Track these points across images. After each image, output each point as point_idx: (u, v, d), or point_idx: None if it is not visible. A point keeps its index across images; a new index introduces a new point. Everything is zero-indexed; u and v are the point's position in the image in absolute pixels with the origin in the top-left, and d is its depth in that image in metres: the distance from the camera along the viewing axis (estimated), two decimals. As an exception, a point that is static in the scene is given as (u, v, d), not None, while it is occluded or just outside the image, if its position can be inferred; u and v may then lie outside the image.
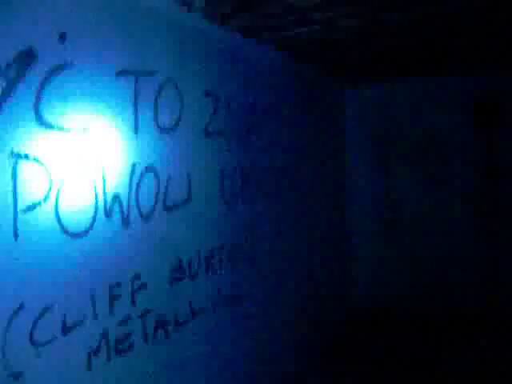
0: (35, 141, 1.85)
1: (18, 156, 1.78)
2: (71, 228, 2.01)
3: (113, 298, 2.17)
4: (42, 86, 1.88)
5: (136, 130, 2.35)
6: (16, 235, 1.78)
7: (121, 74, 2.26)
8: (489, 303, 5.99)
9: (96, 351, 2.12)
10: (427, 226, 6.29)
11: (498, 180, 5.99)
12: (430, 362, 4.84)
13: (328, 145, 5.65)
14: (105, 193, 2.17)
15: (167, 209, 2.57)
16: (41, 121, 1.88)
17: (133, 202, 2.31)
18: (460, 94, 6.07)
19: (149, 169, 2.43)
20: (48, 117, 1.91)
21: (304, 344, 4.68)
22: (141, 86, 2.38)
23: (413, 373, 4.62)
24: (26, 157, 1.81)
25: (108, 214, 2.18)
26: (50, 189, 1.92)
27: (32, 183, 1.84)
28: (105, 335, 2.14)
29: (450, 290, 6.20)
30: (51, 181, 1.92)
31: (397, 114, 6.38)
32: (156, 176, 2.48)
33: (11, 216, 1.76)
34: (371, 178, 6.54)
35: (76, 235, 2.04)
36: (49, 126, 1.91)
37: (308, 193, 4.87)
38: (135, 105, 2.33)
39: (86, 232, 2.09)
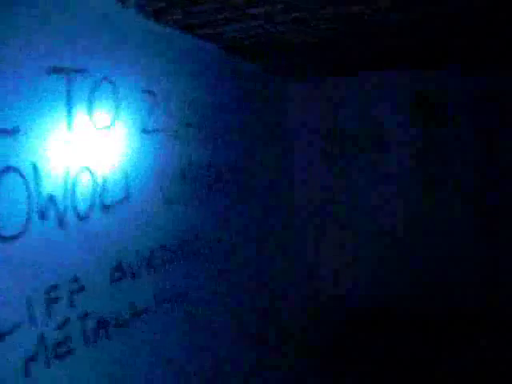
0: (-38, 141, 1.79)
1: None
2: (3, 231, 1.95)
3: (50, 301, 2.12)
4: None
5: (70, 128, 2.29)
6: None
7: (52, 71, 2.19)
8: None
9: (34, 357, 2.06)
10: (377, 222, 6.43)
11: (444, 175, 6.21)
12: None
13: (273, 142, 5.69)
14: (39, 194, 2.12)
15: (105, 209, 2.53)
16: (-33, 121, 1.81)
17: (69, 203, 2.26)
18: (405, 90, 6.18)
19: (84, 168, 2.38)
20: (-25, 116, 1.84)
21: (256, 343, 4.71)
22: (74, 83, 2.32)
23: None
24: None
25: (43, 215, 2.13)
26: (-20, 191, 1.85)
27: (-40, 186, 1.77)
28: (42, 340, 2.09)
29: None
30: (-20, 183, 1.85)
31: (343, 110, 6.45)
32: (92, 175, 2.44)
33: None
34: (318, 174, 6.62)
35: (9, 238, 1.97)
36: (-24, 126, 1.84)
37: (254, 188, 4.90)
38: (69, 103, 2.28)
39: (20, 234, 2.03)
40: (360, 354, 5.15)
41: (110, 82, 2.63)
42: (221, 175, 4.16)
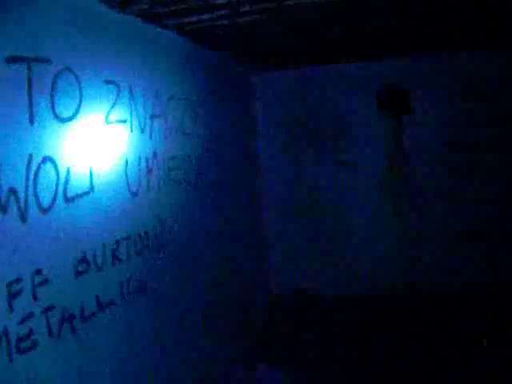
0: None
1: None
2: (-37, 224, 1.91)
3: (12, 295, 2.09)
4: None
5: (31, 119, 2.25)
6: None
7: (11, 60, 2.15)
8: (402, 286, 6.31)
9: (-4, 351, 2.03)
10: (341, 211, 6.51)
11: (408, 163, 6.31)
12: (342, 345, 5.11)
13: (239, 130, 5.69)
14: (-1, 186, 2.08)
15: (68, 201, 2.50)
16: None
17: (31, 195, 2.22)
18: (370, 80, 6.30)
19: (47, 160, 2.34)
20: None
21: (224, 331, 4.72)
22: (35, 73, 2.27)
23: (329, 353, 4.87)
24: None
25: (3, 208, 2.09)
26: None
27: None
28: (5, 334, 2.05)
29: (365, 275, 6.46)
30: None
31: (307, 100, 6.52)
32: (55, 167, 2.40)
33: None
34: (283, 164, 6.66)
35: (-31, 231, 1.94)
36: None
37: (219, 179, 4.89)
38: (30, 93, 2.23)
39: (-20, 228, 1.99)
40: (283, 340, 5.35)
41: (73, 73, 2.59)
42: (186, 166, 4.14)
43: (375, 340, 5.14)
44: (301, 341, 5.27)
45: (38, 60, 2.30)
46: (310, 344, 5.15)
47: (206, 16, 3.51)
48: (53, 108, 2.41)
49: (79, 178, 2.62)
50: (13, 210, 2.12)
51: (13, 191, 2.12)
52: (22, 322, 2.14)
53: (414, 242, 6.31)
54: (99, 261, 2.79)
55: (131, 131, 3.25)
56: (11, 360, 2.08)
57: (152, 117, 3.57)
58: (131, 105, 3.27)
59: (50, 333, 2.34)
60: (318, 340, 5.25)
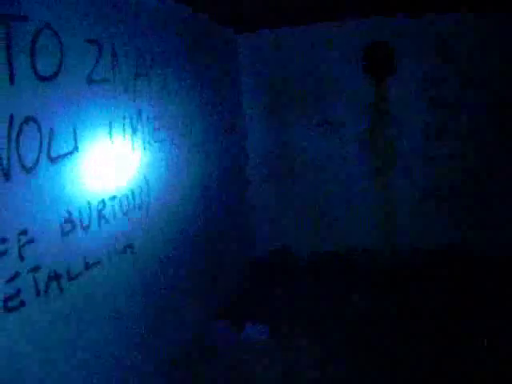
0: None
1: None
2: None
3: (-2, 255, 2.10)
4: None
5: (11, 79, 2.21)
6: None
7: (-11, 18, 2.10)
8: (380, 244, 6.42)
9: (-16, 310, 2.06)
10: (323, 172, 6.54)
11: (390, 124, 6.31)
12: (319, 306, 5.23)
13: (222, 91, 5.65)
14: (-19, 146, 2.06)
15: (52, 160, 2.49)
16: None
17: (13, 155, 2.20)
18: (354, 40, 6.24)
19: (29, 119, 2.32)
20: None
21: (207, 293, 4.79)
22: (14, 31, 2.23)
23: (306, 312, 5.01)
24: None
25: (-14, 168, 2.08)
26: None
27: None
28: (-8, 293, 2.08)
29: (347, 234, 6.55)
30: None
31: (291, 61, 6.45)
32: (38, 126, 2.38)
33: None
34: (266, 126, 6.64)
35: (-48, 192, 1.93)
36: None
37: (204, 139, 4.88)
38: (8, 52, 2.19)
39: (-37, 188, 1.98)
40: (266, 301, 5.43)
41: (53, 30, 2.54)
42: (171, 126, 4.13)
43: (350, 293, 5.29)
44: (283, 297, 5.38)
45: (15, 18, 2.25)
46: (292, 300, 5.28)
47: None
48: (33, 67, 2.36)
49: (63, 138, 2.60)
50: (-4, 170, 2.11)
51: (-5, 151, 2.10)
52: (9, 281, 2.16)
53: (393, 203, 6.38)
54: (85, 221, 2.80)
55: (115, 91, 3.21)
56: (-1, 318, 2.11)
57: (136, 76, 3.52)
58: (114, 64, 3.22)
59: (38, 292, 2.36)
60: (299, 296, 5.39)
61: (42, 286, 2.39)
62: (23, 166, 2.27)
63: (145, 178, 3.60)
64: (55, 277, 2.50)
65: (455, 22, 5.97)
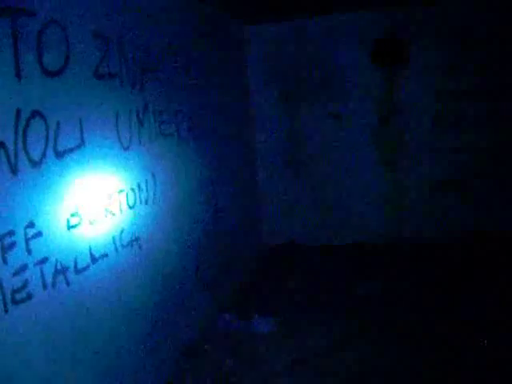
0: None
1: None
2: (-47, 178, 1.93)
3: (5, 248, 2.12)
4: None
5: (18, 74, 2.23)
6: None
7: (-5, 13, 2.12)
8: (390, 235, 6.42)
9: (-9, 303, 2.09)
10: (333, 163, 6.55)
11: (399, 114, 6.29)
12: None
13: (231, 83, 5.65)
14: (-12, 141, 2.09)
15: (59, 154, 2.51)
16: None
17: (20, 149, 2.23)
18: (365, 32, 6.22)
19: (36, 114, 2.34)
20: None
21: (216, 285, 4.82)
22: (20, 27, 2.24)
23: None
24: None
25: (-6, 162, 2.10)
26: None
27: None
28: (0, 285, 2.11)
29: (357, 225, 6.56)
30: None
31: (302, 52, 6.45)
32: (44, 121, 2.40)
33: None
34: (275, 116, 6.64)
35: (-41, 185, 1.96)
36: None
37: (212, 132, 4.89)
38: (15, 47, 2.20)
39: (-29, 182, 2.01)
40: (273, 289, 5.47)
41: (59, 25, 2.55)
42: (178, 119, 4.14)
43: (362, 286, 5.27)
44: (292, 289, 5.39)
45: (22, 13, 2.27)
46: (300, 292, 5.28)
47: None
48: (40, 62, 2.38)
49: (69, 133, 2.62)
50: (3, 163, 2.13)
51: (2, 145, 2.12)
52: (16, 273, 2.19)
53: (402, 193, 6.39)
54: (92, 214, 2.82)
55: (121, 85, 3.23)
56: (6, 311, 2.13)
57: (143, 70, 3.53)
58: (121, 58, 3.23)
59: (45, 285, 2.39)
60: (307, 288, 5.38)
61: (49, 278, 2.42)
62: (30, 160, 2.29)
63: (151, 171, 3.62)
64: (62, 270, 2.53)
65: (469, 8, 5.93)
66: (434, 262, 5.82)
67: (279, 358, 4.00)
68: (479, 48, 5.97)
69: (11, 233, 2.16)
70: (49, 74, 2.46)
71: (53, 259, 2.45)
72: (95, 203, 2.87)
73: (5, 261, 2.12)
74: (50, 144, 2.45)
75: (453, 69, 6.08)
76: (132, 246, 3.29)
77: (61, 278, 2.52)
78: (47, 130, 2.42)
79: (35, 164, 2.33)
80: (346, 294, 5.13)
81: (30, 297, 2.27)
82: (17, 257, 2.19)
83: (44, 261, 2.38)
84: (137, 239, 3.35)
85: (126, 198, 3.23)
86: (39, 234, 2.35)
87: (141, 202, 3.44)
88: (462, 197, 6.24)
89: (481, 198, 6.21)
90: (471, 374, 3.57)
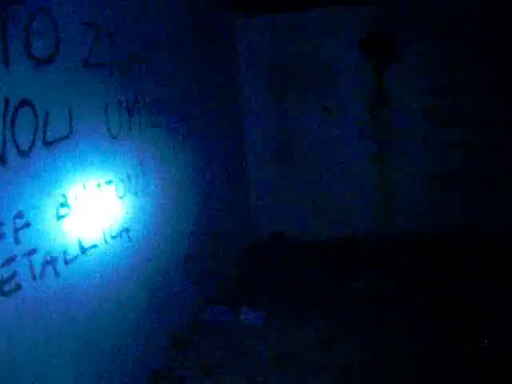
0: None
1: None
2: None
3: (-6, 238, 2.10)
4: None
5: (6, 62, 2.20)
6: None
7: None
8: (380, 229, 6.45)
9: (-20, 294, 2.07)
10: (323, 158, 6.55)
11: (389, 109, 6.30)
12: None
13: (222, 75, 5.63)
14: (-24, 129, 2.06)
15: (48, 144, 2.48)
16: None
17: (9, 139, 2.20)
18: (355, 27, 6.21)
19: (24, 103, 2.31)
20: None
21: (205, 277, 4.82)
22: (8, 14, 2.21)
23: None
24: None
25: (-19, 151, 2.07)
26: None
27: None
28: (-12, 276, 2.08)
29: (348, 219, 6.58)
30: None
31: (291, 47, 6.43)
32: (33, 110, 2.37)
33: None
34: (266, 110, 6.62)
35: None
36: None
37: (203, 124, 4.87)
38: (3, 35, 2.17)
39: (-41, 171, 1.98)
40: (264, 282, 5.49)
41: (49, 13, 2.52)
42: (169, 110, 4.12)
43: (351, 280, 5.29)
44: (281, 282, 5.40)
45: (11, 0, 2.23)
46: (289, 286, 5.29)
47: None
48: (28, 50, 2.35)
49: (58, 122, 2.59)
50: (-10, 153, 2.11)
51: (-10, 134, 2.10)
52: (5, 264, 2.16)
53: (392, 187, 6.41)
54: (81, 205, 2.80)
55: (111, 74, 3.20)
56: (-5, 301, 2.12)
57: (133, 60, 3.50)
58: (111, 48, 3.20)
59: (34, 276, 2.37)
60: (296, 282, 5.39)
61: (37, 269, 2.40)
62: (19, 150, 2.26)
63: (141, 162, 3.60)
64: (51, 260, 2.51)
65: (457, 4, 5.93)
66: (423, 257, 5.86)
67: (267, 351, 4.01)
68: (471, 39, 5.98)
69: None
70: (38, 62, 2.42)
71: (42, 250, 2.43)
72: (85, 193, 2.85)
73: (-7, 251, 2.10)
74: (39, 133, 2.42)
75: (442, 64, 6.10)
76: (121, 236, 3.27)
77: (50, 268, 2.50)
78: (36, 119, 2.40)
79: (24, 153, 2.30)
80: (335, 289, 5.14)
81: (18, 288, 2.25)
82: (5, 247, 2.17)
83: (33, 252, 2.36)
84: (126, 230, 3.33)
85: (115, 189, 3.21)
86: (28, 224, 2.32)
87: (130, 193, 3.43)
88: (451, 191, 6.28)
89: (469, 193, 6.25)
90: (457, 368, 3.61)
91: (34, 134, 2.38)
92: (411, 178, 6.36)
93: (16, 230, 2.24)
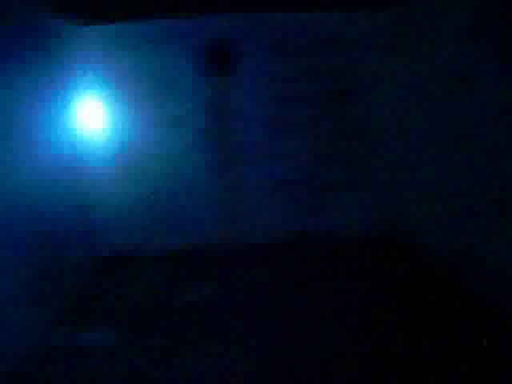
0: None
1: None
2: None
3: None
4: None
5: None
6: None
7: None
8: (225, 237, 6.54)
9: None
10: (162, 169, 6.45)
11: (233, 121, 6.39)
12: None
13: (53, 86, 5.29)
14: None
15: None
16: None
17: None
18: (194, 38, 6.18)
19: None
20: None
21: (44, 298, 4.54)
22: None
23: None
24: None
25: None
26: None
27: None
28: None
29: (191, 230, 6.57)
30: None
31: (131, 57, 6.20)
32: None
33: None
34: (107, 123, 6.37)
35: None
36: None
37: (31, 139, 4.57)
38: None
39: None
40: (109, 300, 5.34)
41: None
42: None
43: (195, 289, 5.36)
44: (127, 300, 5.25)
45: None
46: (136, 303, 5.17)
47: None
48: None
49: None
50: None
51: None
52: None
53: (236, 195, 6.55)
54: None
55: None
56: None
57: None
58: None
59: None
60: (143, 298, 5.31)
61: None
62: None
63: None
64: None
65: (294, 19, 6.19)
66: (269, 262, 6.08)
67: (114, 371, 3.90)
68: (306, 55, 6.28)
69: None
70: None
71: None
72: None
73: None
74: None
75: (281, 75, 6.32)
76: None
77: None
78: None
79: None
80: (176, 301, 5.14)
81: None
82: None
83: None
84: None
85: None
86: None
87: None
88: (291, 198, 6.59)
89: (309, 199, 6.61)
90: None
91: None
92: (256, 187, 6.54)
93: None
